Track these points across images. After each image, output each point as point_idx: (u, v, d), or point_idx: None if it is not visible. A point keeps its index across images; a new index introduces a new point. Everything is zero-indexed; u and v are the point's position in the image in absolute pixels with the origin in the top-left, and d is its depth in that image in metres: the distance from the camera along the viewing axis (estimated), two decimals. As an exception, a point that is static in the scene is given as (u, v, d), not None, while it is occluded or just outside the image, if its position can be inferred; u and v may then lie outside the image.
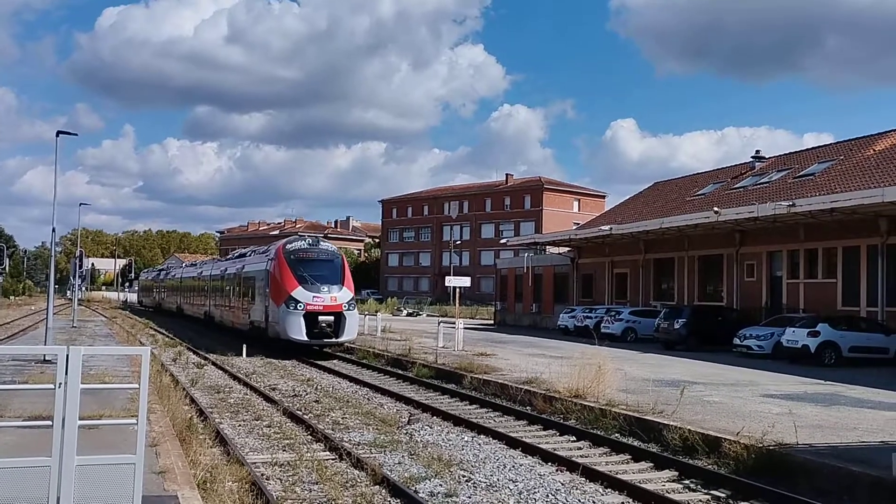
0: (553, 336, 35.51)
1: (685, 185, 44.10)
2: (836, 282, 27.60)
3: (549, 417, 14.10)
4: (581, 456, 11.21)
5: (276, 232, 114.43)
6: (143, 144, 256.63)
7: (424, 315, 61.78)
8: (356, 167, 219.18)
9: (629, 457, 11.29)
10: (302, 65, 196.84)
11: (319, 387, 18.68)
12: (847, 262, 27.22)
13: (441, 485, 9.32)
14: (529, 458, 11.10)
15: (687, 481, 9.91)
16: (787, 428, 11.14)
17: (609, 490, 9.42)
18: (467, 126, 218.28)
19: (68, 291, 74.74)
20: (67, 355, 5.25)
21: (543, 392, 15.50)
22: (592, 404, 13.90)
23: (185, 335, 34.05)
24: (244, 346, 26.46)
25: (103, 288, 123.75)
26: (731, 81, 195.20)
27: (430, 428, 13.24)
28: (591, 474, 9.98)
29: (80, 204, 55.19)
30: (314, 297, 25.39)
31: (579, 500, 8.94)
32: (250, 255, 33.61)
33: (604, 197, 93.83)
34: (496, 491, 9.22)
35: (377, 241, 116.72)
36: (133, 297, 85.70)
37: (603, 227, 37.74)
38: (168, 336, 33.85)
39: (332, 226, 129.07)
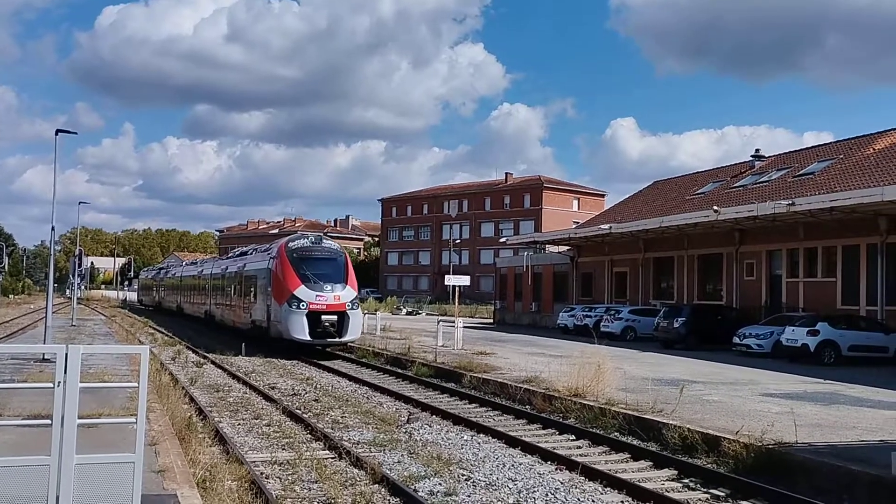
0: (552, 335, 35.48)
1: (685, 184, 44.09)
2: (835, 281, 27.61)
3: (549, 416, 14.10)
4: (580, 455, 11.21)
5: (276, 231, 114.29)
6: (143, 143, 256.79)
7: (424, 314, 61.77)
8: (356, 166, 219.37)
9: (628, 455, 11.29)
10: (302, 64, 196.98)
11: (319, 385, 18.67)
12: (846, 260, 27.24)
13: (440, 484, 9.32)
14: (529, 456, 11.10)
15: (686, 480, 9.91)
16: (787, 427, 11.14)
17: (608, 489, 9.42)
18: (467, 125, 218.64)
19: (67, 290, 74.55)
20: (66, 354, 5.25)
21: (543, 391, 15.50)
22: (592, 403, 13.91)
23: (184, 334, 34.00)
24: (243, 344, 26.37)
25: (102, 287, 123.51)
26: (731, 80, 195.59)
27: (430, 427, 13.24)
28: (591, 473, 9.98)
29: (80, 202, 55.69)
30: (317, 295, 25.03)
31: (579, 499, 8.94)
32: (252, 254, 33.19)
33: (603, 196, 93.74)
34: (495, 490, 9.22)
35: (377, 239, 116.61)
36: (132, 296, 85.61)
37: (602, 226, 37.71)
38: (167, 335, 33.79)
39: (332, 224, 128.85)
